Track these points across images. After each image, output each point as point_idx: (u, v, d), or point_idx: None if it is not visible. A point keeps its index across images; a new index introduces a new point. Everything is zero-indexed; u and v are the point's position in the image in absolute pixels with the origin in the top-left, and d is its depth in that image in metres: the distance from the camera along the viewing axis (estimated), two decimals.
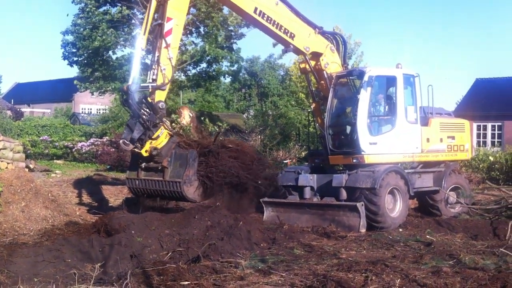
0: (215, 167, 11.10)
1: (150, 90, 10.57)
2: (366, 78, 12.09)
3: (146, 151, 10.43)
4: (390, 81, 12.74)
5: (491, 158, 22.94)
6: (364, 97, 12.06)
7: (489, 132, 32.68)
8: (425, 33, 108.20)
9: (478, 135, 32.98)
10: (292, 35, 12.38)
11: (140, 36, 10.75)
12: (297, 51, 12.83)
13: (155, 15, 10.85)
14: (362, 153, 11.96)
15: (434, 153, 13.33)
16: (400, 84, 12.64)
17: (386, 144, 12.36)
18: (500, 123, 32.13)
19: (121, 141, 10.55)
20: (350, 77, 12.99)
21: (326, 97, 12.88)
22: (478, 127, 32.98)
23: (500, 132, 32.20)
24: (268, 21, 12.02)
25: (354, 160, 12.12)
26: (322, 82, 13.11)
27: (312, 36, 12.73)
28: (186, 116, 11.94)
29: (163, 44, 10.61)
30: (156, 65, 10.62)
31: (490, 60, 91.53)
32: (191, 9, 32.60)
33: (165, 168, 10.64)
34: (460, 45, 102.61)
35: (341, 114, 12.93)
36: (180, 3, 10.95)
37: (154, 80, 10.57)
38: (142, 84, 10.72)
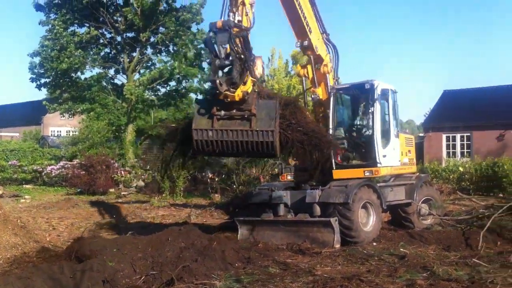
0: (295, 122, 10.17)
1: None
2: (379, 91, 12.44)
3: (237, 95, 9.38)
4: (389, 95, 13.05)
5: (461, 169, 23.32)
6: (379, 109, 12.47)
7: (458, 143, 33.19)
8: (392, 47, 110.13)
9: (448, 146, 33.49)
10: (310, 30, 12.48)
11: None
12: (310, 48, 12.65)
13: None
14: (379, 165, 12.26)
15: (404, 166, 13.59)
16: (391, 98, 13.06)
17: (390, 157, 12.79)
18: (468, 134, 32.66)
19: (217, 81, 9.24)
20: (358, 90, 12.89)
21: (323, 103, 12.93)
22: (447, 138, 33.50)
23: (469, 142, 32.72)
24: (299, 6, 12.03)
25: (367, 173, 12.30)
26: (321, 87, 12.98)
27: (320, 39, 12.90)
28: (259, 67, 9.96)
29: None
30: (241, 5, 9.79)
31: (458, 71, 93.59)
32: (160, 28, 32.68)
33: (253, 116, 9.53)
34: (428, 57, 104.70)
35: (349, 127, 13.20)
36: None
37: (240, 21, 9.71)
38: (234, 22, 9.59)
